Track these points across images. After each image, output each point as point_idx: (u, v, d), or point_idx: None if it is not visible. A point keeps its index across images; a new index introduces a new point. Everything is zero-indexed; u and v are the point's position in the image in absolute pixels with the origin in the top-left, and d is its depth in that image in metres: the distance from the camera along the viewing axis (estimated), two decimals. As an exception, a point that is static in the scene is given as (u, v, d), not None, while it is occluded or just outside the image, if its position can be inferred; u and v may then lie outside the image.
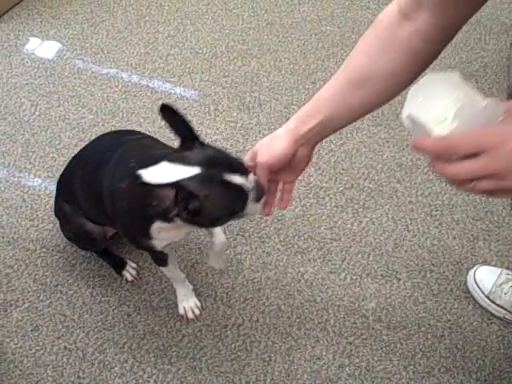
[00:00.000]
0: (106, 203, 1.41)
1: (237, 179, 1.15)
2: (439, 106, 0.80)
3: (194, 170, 1.13)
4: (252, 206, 1.20)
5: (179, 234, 1.40)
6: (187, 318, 1.67)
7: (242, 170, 1.16)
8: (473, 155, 0.76)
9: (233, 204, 1.18)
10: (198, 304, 1.68)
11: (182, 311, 1.68)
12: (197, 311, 1.68)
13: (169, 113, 1.17)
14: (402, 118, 0.83)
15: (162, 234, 1.35)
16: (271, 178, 1.15)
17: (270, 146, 1.11)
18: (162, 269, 1.60)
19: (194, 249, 1.82)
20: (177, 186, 1.12)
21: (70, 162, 1.69)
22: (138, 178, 1.15)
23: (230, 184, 1.15)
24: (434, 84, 0.81)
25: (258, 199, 1.20)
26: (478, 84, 2.31)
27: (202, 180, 1.13)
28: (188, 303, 1.67)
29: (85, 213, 1.62)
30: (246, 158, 1.15)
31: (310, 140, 1.12)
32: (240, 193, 1.17)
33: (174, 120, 1.18)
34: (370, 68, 1.04)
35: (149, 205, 1.14)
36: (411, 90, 0.83)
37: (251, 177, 1.18)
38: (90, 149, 1.64)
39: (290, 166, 1.15)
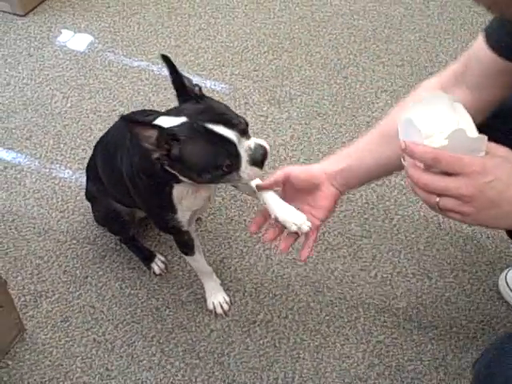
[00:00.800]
0: (128, 185, 1.43)
1: (221, 129, 1.16)
2: (440, 121, 0.88)
3: (181, 120, 1.18)
4: (249, 169, 1.20)
5: (200, 200, 1.40)
6: (216, 313, 1.66)
7: (233, 124, 1.17)
8: (449, 174, 0.85)
9: (214, 154, 1.17)
10: (227, 299, 1.68)
11: (210, 306, 1.67)
12: (226, 306, 1.67)
13: (168, 63, 1.21)
14: (401, 119, 0.89)
15: (184, 203, 1.37)
16: (296, 201, 1.21)
17: (302, 166, 1.26)
18: (189, 259, 1.60)
19: (224, 243, 1.81)
20: (160, 127, 1.15)
21: (95, 147, 1.72)
22: None
23: (213, 133, 1.16)
24: (441, 102, 0.89)
25: (256, 163, 1.19)
26: None
27: (185, 127, 1.17)
28: (217, 298, 1.67)
29: (112, 195, 1.64)
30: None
31: (338, 181, 1.20)
32: (223, 144, 1.16)
33: (171, 72, 1.22)
34: None
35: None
36: (420, 100, 0.89)
37: (254, 139, 1.20)
38: (110, 132, 1.66)
39: (313, 198, 1.21)
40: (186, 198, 1.37)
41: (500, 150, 0.87)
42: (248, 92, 2.25)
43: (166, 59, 1.21)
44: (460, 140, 0.85)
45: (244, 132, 1.19)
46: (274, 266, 1.77)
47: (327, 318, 1.66)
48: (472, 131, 0.87)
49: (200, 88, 1.26)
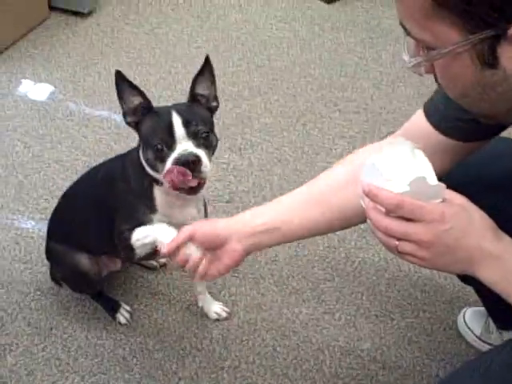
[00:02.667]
0: (106, 196, 1.52)
1: (177, 120, 1.30)
2: (402, 167, 0.91)
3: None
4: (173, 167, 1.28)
5: (183, 216, 1.44)
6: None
7: (190, 123, 1.31)
8: (408, 219, 0.89)
9: (155, 130, 1.32)
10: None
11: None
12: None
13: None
14: (366, 162, 0.94)
15: (166, 209, 1.43)
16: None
17: (209, 222, 1.30)
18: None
19: (189, 290, 1.83)
20: (144, 97, 1.38)
21: (59, 202, 1.75)
22: None
23: (170, 120, 1.31)
24: (403, 148, 0.93)
25: (180, 163, 1.28)
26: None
27: (159, 109, 1.39)
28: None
29: (84, 244, 1.64)
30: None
31: (248, 241, 1.18)
32: (169, 130, 1.30)
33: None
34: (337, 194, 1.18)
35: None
36: (385, 146, 0.94)
37: (199, 150, 1.30)
38: (77, 182, 1.71)
39: (217, 253, 1.20)
40: (171, 207, 1.43)
41: (457, 198, 0.93)
42: (209, 140, 2.29)
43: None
44: (421, 186, 0.90)
45: (195, 136, 1.31)
46: (240, 312, 1.79)
47: (294, 361, 1.69)
48: (432, 178, 0.91)
49: (217, 103, 1.46)
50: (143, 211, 1.43)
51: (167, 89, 2.52)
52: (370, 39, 2.79)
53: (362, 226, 1.98)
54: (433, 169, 0.92)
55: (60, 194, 2.05)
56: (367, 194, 0.91)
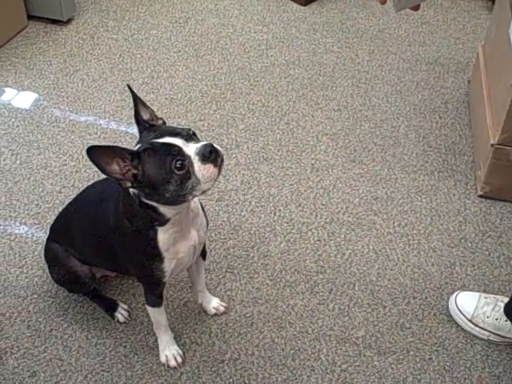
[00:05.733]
0: (112, 239, 1.49)
1: (165, 139, 1.27)
2: None
3: (136, 147, 1.32)
4: (202, 168, 1.27)
5: (186, 246, 1.46)
6: (169, 366, 1.68)
7: (177, 133, 1.29)
8: None
9: (163, 160, 1.26)
10: (180, 352, 1.70)
11: (163, 359, 1.69)
12: (179, 359, 1.68)
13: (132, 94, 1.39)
14: None
15: (171, 249, 1.42)
16: None
17: None
18: (154, 311, 1.62)
19: (186, 287, 1.86)
20: (120, 156, 1.27)
21: (66, 207, 1.76)
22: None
23: (160, 145, 1.27)
24: None
25: (205, 157, 1.26)
26: (441, 119, 2.45)
27: (140, 149, 1.29)
28: (170, 351, 1.69)
29: (79, 254, 1.68)
30: None
31: None
32: (169, 149, 1.26)
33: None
34: None
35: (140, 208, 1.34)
36: None
37: (202, 142, 1.29)
38: (84, 195, 1.71)
39: None
40: (173, 245, 1.42)
41: None
42: (196, 141, 2.33)
43: (130, 88, 1.41)
44: None
45: (190, 137, 1.29)
46: (237, 306, 1.83)
47: (292, 351, 1.73)
48: None
49: (163, 120, 1.40)
50: (154, 266, 1.45)
51: (150, 93, 2.55)
52: (346, 39, 2.86)
53: (350, 219, 2.05)
54: None
55: (50, 198, 2.10)
56: None
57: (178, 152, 1.26)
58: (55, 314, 1.79)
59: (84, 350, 1.72)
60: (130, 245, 1.46)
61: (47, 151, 2.28)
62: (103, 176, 1.30)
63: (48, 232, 1.78)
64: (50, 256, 1.75)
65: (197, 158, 1.27)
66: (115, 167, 1.26)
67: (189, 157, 1.27)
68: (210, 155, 1.27)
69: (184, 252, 1.47)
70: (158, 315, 1.64)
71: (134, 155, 1.27)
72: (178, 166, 1.26)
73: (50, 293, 1.84)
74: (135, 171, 1.27)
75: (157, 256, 1.43)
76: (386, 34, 2.91)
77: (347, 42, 2.85)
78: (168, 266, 1.45)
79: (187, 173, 1.27)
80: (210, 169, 1.28)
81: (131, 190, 1.33)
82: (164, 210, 1.34)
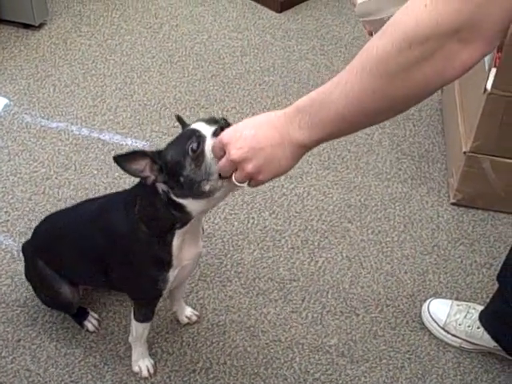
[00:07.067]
0: (113, 253, 1.47)
1: (189, 127, 1.25)
2: None
3: None
4: (212, 140, 1.18)
5: (192, 253, 1.45)
6: (141, 376, 1.66)
7: (204, 119, 1.24)
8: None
9: (182, 143, 1.22)
10: (153, 362, 1.67)
11: (136, 369, 1.66)
12: (152, 369, 1.66)
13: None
14: None
15: (178, 256, 1.40)
16: None
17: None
18: (141, 326, 1.58)
19: (157, 296, 1.84)
20: (145, 154, 1.25)
21: (53, 224, 1.69)
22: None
23: (183, 132, 1.28)
24: None
25: (215, 134, 1.17)
26: (415, 127, 2.46)
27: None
28: (144, 362, 1.66)
29: (67, 274, 1.63)
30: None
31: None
32: (189, 133, 1.23)
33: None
34: None
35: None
36: None
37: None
38: (77, 212, 1.64)
39: None
40: (185, 248, 1.40)
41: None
42: (169, 148, 2.31)
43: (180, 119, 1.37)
44: None
45: (215, 122, 1.21)
46: (209, 315, 1.81)
47: (264, 360, 1.72)
48: None
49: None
50: (161, 276, 1.43)
51: (123, 99, 2.52)
52: (321, 46, 2.86)
53: (324, 226, 2.05)
54: None
55: (20, 206, 2.07)
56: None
57: (196, 134, 1.21)
58: (23, 324, 1.76)
59: (53, 360, 1.69)
60: (140, 253, 1.42)
61: (17, 157, 2.25)
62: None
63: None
64: (38, 276, 1.68)
65: (210, 136, 1.19)
66: (142, 167, 1.25)
67: (204, 137, 1.19)
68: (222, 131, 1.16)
69: (189, 260, 1.45)
70: (143, 330, 1.61)
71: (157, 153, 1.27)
72: (193, 147, 1.20)
73: (19, 302, 1.81)
74: (160, 163, 1.26)
75: (167, 263, 1.41)
76: (361, 41, 2.92)
77: (322, 50, 2.85)
78: (172, 274, 1.43)
79: (201, 153, 1.19)
80: (214, 143, 1.17)
81: (160, 188, 1.29)
82: (191, 206, 1.29)
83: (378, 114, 0.96)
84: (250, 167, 1.02)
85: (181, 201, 1.29)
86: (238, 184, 1.08)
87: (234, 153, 1.02)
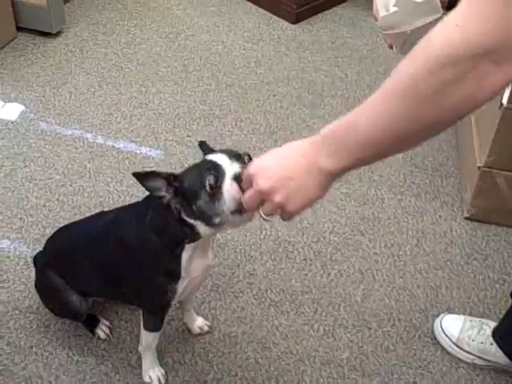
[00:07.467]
0: (126, 263, 1.48)
1: (214, 156, 1.25)
2: None
3: None
4: (230, 184, 1.19)
5: (202, 265, 1.46)
6: None
7: (229, 152, 1.25)
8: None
9: (201, 172, 1.23)
10: (164, 372, 1.67)
11: (147, 379, 1.66)
12: (163, 380, 1.66)
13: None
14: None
15: (188, 267, 1.41)
16: None
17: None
18: (151, 335, 1.59)
19: (169, 305, 1.84)
20: (163, 175, 1.28)
21: (69, 235, 1.69)
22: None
23: (207, 160, 1.26)
24: None
25: (236, 178, 1.19)
26: (429, 141, 2.45)
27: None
28: (155, 372, 1.66)
29: (78, 285, 1.63)
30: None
31: None
32: (209, 165, 1.23)
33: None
34: None
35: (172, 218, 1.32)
36: None
37: (238, 166, 1.21)
38: (91, 224, 1.66)
39: None
40: (194, 261, 1.42)
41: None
42: (183, 157, 2.32)
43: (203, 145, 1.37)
44: (406, 4, 1.04)
45: (239, 158, 1.23)
46: (221, 326, 1.81)
47: (276, 372, 1.71)
48: None
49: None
50: (170, 286, 1.44)
51: (138, 107, 2.54)
52: (335, 58, 2.87)
53: (336, 239, 2.05)
54: None
55: (35, 212, 2.07)
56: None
57: (216, 168, 1.22)
58: (36, 331, 1.76)
59: (64, 367, 1.69)
60: (149, 262, 1.43)
61: (32, 164, 2.26)
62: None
63: (39, 257, 1.74)
64: (49, 288, 1.68)
65: (231, 176, 1.20)
66: (158, 186, 1.29)
67: (223, 174, 1.21)
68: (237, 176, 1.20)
69: (198, 271, 1.45)
70: (152, 339, 1.61)
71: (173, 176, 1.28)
72: (211, 183, 1.21)
73: (32, 308, 1.81)
74: (176, 185, 1.28)
75: (176, 275, 1.42)
76: (375, 53, 2.92)
77: (336, 61, 2.86)
78: (181, 285, 1.44)
79: (218, 191, 1.21)
80: (234, 187, 1.19)
81: (173, 204, 1.30)
82: (200, 228, 1.31)
83: (407, 140, 0.92)
84: (278, 197, 0.99)
85: (191, 222, 1.31)
86: (266, 218, 1.05)
87: (263, 183, 1.00)
